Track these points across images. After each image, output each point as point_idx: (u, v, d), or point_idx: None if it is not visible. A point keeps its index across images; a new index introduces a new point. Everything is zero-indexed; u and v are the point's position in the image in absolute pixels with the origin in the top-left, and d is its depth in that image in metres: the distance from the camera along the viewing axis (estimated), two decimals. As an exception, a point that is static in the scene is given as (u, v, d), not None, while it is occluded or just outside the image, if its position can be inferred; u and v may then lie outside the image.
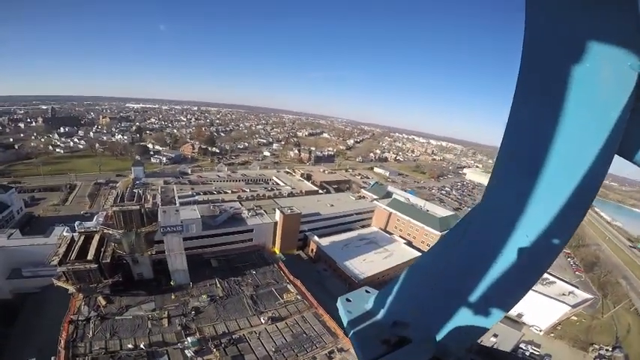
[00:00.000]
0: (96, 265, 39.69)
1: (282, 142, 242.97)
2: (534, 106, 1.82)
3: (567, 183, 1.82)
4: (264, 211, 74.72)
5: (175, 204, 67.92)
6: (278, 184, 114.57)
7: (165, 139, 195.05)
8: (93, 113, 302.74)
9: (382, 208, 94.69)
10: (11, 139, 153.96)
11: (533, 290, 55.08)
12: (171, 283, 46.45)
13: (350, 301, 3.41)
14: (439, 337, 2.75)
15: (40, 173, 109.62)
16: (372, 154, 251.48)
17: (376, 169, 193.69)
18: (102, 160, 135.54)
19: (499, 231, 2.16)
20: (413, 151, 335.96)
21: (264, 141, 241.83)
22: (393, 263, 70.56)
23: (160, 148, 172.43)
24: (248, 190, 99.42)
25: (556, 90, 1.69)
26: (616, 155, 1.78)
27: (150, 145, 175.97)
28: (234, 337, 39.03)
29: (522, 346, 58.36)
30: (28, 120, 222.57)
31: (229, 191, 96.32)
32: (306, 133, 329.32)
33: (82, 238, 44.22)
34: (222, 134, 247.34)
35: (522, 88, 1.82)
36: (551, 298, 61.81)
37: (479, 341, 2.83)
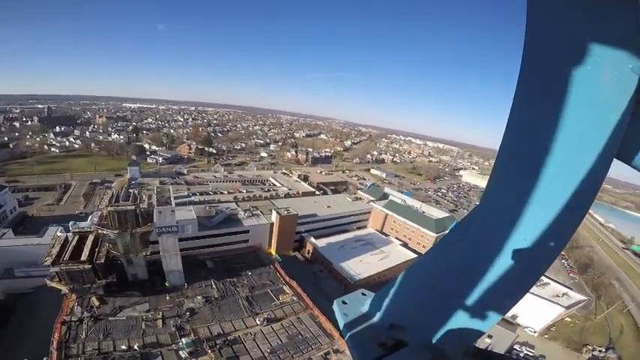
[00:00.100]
0: (90, 266, 39.38)
1: (280, 143, 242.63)
2: (534, 106, 1.80)
3: (566, 185, 1.81)
4: (261, 212, 74.52)
5: (171, 204, 67.58)
6: (275, 185, 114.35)
7: (162, 139, 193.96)
8: (89, 113, 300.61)
9: (378, 210, 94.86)
10: (6, 138, 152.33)
11: (528, 292, 55.44)
12: (166, 284, 46.21)
13: (346, 303, 3.38)
14: (436, 339, 2.73)
15: (35, 173, 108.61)
16: (369, 156, 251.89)
17: (373, 171, 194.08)
18: (97, 160, 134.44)
19: (498, 232, 2.15)
20: (410, 153, 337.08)
21: (262, 142, 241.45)
22: (389, 264, 70.63)
23: (157, 148, 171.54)
24: (244, 191, 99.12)
25: (556, 91, 1.68)
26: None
27: (146, 145, 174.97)
28: (229, 338, 38.88)
29: (517, 347, 58.65)
30: (24, 119, 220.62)
31: (226, 192, 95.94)
32: (304, 134, 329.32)
33: (76, 238, 43.88)
34: (219, 135, 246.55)
35: (523, 88, 1.80)
36: (545, 299, 62.21)
37: (474, 344, 2.81)
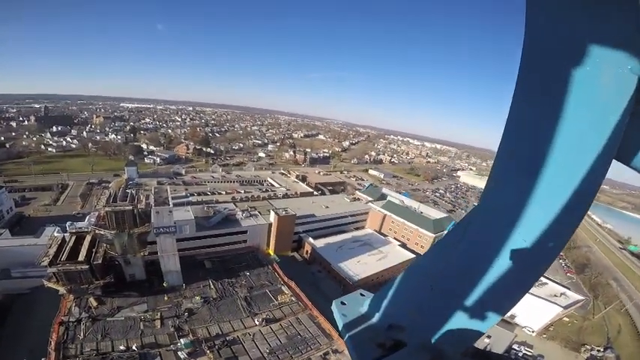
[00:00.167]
0: (87, 266, 39.27)
1: (278, 144, 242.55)
2: (534, 106, 1.80)
3: (566, 185, 1.80)
4: (259, 212, 74.50)
5: (169, 205, 67.43)
6: (273, 185, 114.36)
7: (160, 139, 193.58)
8: (86, 112, 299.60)
9: (377, 210, 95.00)
10: (2, 138, 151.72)
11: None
12: (164, 284, 46.06)
13: (345, 304, 3.38)
14: (435, 340, 2.72)
15: (32, 173, 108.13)
16: (367, 156, 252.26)
17: (371, 171, 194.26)
18: (95, 160, 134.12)
19: (498, 232, 2.15)
20: (407, 154, 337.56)
21: (260, 142, 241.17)
22: (387, 265, 70.71)
23: (154, 149, 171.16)
24: (242, 191, 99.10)
25: (556, 91, 1.67)
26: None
27: (144, 145, 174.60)
28: (227, 338, 38.81)
29: (515, 347, 58.83)
30: (20, 119, 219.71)
31: (224, 192, 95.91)
32: (302, 135, 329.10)
33: (74, 238, 43.74)
34: (217, 135, 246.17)
35: (522, 88, 1.80)
36: (543, 299, 62.44)
37: (474, 344, 2.81)
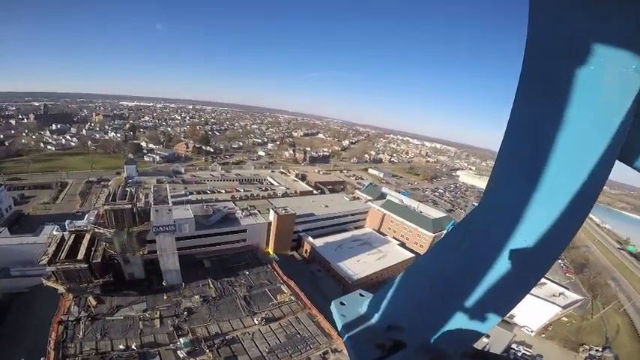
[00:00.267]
0: (86, 265, 39.27)
1: (277, 142, 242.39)
2: (536, 107, 1.78)
3: (568, 186, 1.79)
4: (258, 211, 74.43)
5: (168, 203, 67.41)
6: (272, 184, 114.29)
7: (159, 137, 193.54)
8: (86, 110, 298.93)
9: (376, 209, 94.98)
10: (2, 136, 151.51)
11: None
12: (163, 283, 46.07)
13: (344, 304, 3.36)
14: (435, 341, 2.71)
15: (31, 171, 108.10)
16: (366, 155, 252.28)
17: (370, 170, 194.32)
18: (94, 158, 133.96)
19: (498, 233, 2.13)
20: (407, 153, 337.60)
21: (259, 141, 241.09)
22: (387, 264, 70.75)
23: (154, 147, 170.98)
24: (242, 190, 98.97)
25: (559, 91, 1.66)
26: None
27: (143, 144, 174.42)
28: (227, 337, 38.85)
29: (514, 346, 58.93)
30: (20, 117, 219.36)
31: (223, 191, 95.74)
32: (302, 134, 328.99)
33: (73, 237, 43.72)
34: (216, 133, 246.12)
35: (524, 88, 1.78)
36: (542, 299, 62.51)
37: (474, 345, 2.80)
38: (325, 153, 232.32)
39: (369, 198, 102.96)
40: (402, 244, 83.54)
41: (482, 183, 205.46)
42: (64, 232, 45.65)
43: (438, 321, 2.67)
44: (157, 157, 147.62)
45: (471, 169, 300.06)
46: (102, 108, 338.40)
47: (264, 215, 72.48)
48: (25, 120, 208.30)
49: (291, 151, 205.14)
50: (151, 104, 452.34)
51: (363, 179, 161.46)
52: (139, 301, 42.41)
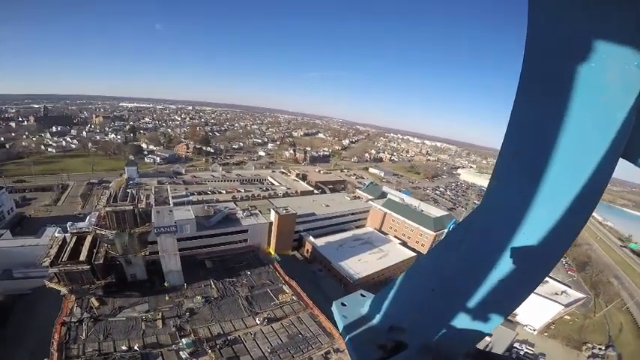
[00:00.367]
0: (88, 266, 39.33)
1: (278, 142, 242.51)
2: (537, 106, 1.77)
3: (571, 185, 1.77)
4: (259, 211, 74.47)
5: (169, 204, 67.43)
6: (273, 184, 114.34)
7: (160, 138, 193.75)
8: (86, 112, 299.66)
9: (377, 209, 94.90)
10: (2, 139, 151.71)
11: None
12: (165, 284, 46.15)
13: (345, 305, 3.35)
14: (436, 341, 2.70)
15: (32, 173, 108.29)
16: (367, 155, 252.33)
17: (371, 170, 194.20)
18: (95, 160, 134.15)
19: (500, 232, 2.12)
20: (407, 152, 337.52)
21: (260, 141, 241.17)
22: (388, 263, 70.73)
23: (154, 148, 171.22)
24: (243, 191, 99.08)
25: (559, 91, 1.65)
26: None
27: (144, 145, 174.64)
28: (229, 338, 38.89)
29: (517, 345, 58.84)
30: (20, 119, 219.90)
31: (224, 191, 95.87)
32: (302, 133, 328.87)
33: (74, 238, 43.81)
34: (216, 134, 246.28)
35: (524, 88, 1.77)
36: (544, 297, 62.37)
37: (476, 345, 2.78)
38: (325, 152, 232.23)
39: (370, 197, 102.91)
40: (404, 243, 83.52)
41: (483, 181, 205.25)
42: (66, 234, 45.76)
43: (440, 322, 2.66)
44: (158, 159, 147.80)
45: (471, 167, 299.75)
46: (102, 110, 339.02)
47: (265, 215, 72.51)
48: (25, 122, 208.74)
49: (292, 151, 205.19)
50: (151, 105, 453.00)
51: (363, 178, 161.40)
52: (141, 302, 42.49)
